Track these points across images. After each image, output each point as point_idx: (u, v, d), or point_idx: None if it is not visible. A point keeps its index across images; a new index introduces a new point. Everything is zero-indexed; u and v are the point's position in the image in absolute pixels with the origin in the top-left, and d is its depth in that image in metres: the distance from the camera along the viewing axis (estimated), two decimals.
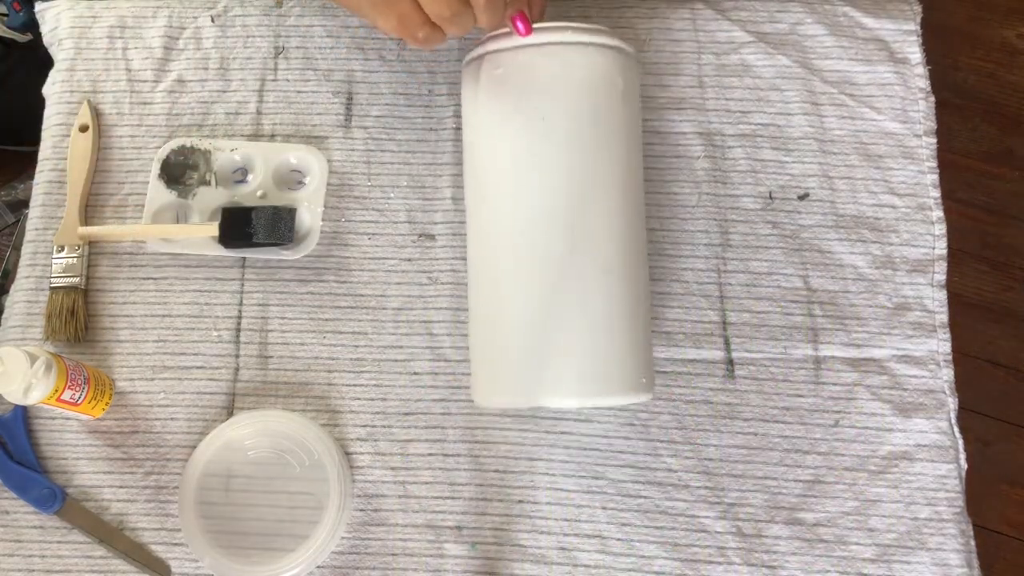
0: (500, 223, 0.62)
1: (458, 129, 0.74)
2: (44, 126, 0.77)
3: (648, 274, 0.65)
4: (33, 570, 0.65)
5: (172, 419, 0.68)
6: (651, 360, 0.63)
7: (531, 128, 0.61)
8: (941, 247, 0.71)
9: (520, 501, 0.66)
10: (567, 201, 0.60)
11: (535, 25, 0.60)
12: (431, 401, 0.68)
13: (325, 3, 0.78)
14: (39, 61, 0.81)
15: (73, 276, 0.71)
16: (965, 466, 0.67)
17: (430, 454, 0.67)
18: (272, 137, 0.75)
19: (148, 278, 0.72)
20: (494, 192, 0.63)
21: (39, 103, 0.78)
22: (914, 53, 0.76)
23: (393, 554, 0.65)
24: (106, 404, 0.68)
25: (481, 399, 0.63)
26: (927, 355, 0.69)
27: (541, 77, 0.61)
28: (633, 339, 0.61)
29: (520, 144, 0.61)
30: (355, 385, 0.69)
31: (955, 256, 0.71)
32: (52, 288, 0.70)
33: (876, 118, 0.74)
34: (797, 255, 0.71)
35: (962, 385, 0.69)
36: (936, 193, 0.73)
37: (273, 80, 0.76)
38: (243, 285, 0.71)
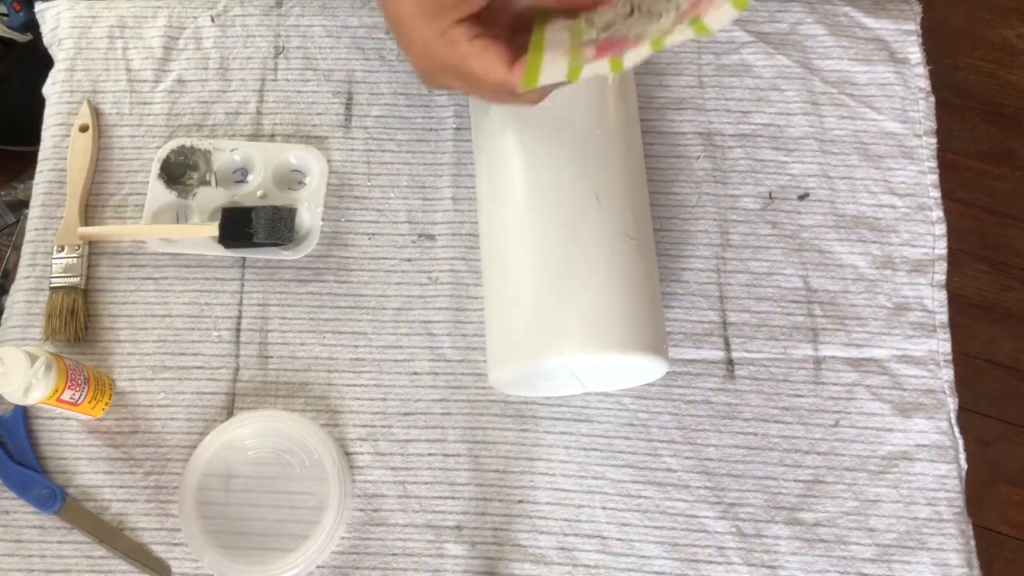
0: (518, 195, 0.63)
1: (458, 129, 0.74)
2: (44, 126, 0.77)
3: (654, 249, 0.66)
4: (33, 570, 0.65)
5: (172, 419, 0.68)
6: (664, 331, 0.63)
7: (555, 104, 0.62)
8: (941, 247, 0.71)
9: (520, 501, 0.66)
10: (587, 166, 0.62)
11: None
12: (431, 401, 0.68)
13: (325, 3, 0.78)
14: (39, 61, 0.81)
15: (73, 276, 0.71)
16: (965, 466, 0.67)
17: (430, 454, 0.67)
18: (272, 137, 0.75)
19: (148, 278, 0.72)
20: (516, 167, 0.64)
21: (39, 103, 0.78)
22: (914, 53, 0.76)
23: (393, 554, 0.65)
24: (106, 404, 0.68)
25: (497, 372, 0.63)
26: (927, 355, 0.69)
27: None
28: (649, 302, 0.61)
29: (545, 118, 0.63)
30: (355, 385, 0.69)
31: (955, 256, 0.71)
32: (52, 288, 0.70)
33: (876, 118, 0.74)
34: (797, 255, 0.71)
35: (962, 385, 0.69)
36: (936, 193, 0.73)
37: (273, 80, 0.76)
38: (243, 285, 0.71)
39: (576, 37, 0.47)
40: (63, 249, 0.71)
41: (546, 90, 0.49)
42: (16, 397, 0.61)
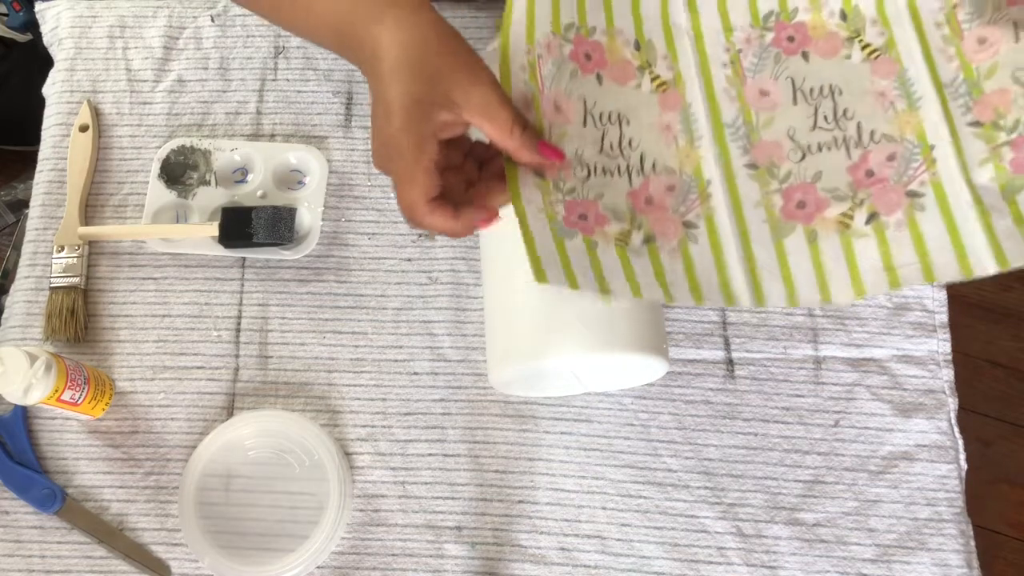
0: None
1: None
2: (44, 126, 0.77)
3: None
4: (33, 570, 0.65)
5: (172, 419, 0.68)
6: (664, 331, 0.63)
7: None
8: None
9: (520, 501, 0.66)
10: None
11: None
12: (431, 401, 0.68)
13: None
14: (39, 61, 0.81)
15: (73, 276, 0.71)
16: (965, 466, 0.67)
17: (430, 454, 0.67)
18: (272, 137, 0.75)
19: (148, 278, 0.72)
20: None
21: (39, 103, 0.78)
22: None
23: (393, 554, 0.65)
24: (106, 404, 0.68)
25: (497, 372, 0.62)
26: (927, 355, 0.69)
27: None
28: (649, 302, 0.61)
29: None
30: (355, 385, 0.69)
31: None
32: (52, 288, 0.70)
33: None
34: None
35: (962, 385, 0.69)
36: None
37: (273, 80, 0.76)
38: (243, 285, 0.71)
39: (546, 196, 0.53)
40: (63, 249, 0.71)
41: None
42: (16, 397, 0.61)
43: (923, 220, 0.52)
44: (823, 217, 0.54)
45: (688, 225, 0.55)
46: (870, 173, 0.54)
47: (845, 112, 0.55)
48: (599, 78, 0.57)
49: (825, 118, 0.56)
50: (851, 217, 0.54)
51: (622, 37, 0.58)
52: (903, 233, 0.53)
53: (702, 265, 0.54)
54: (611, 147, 0.56)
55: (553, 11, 0.57)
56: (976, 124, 0.53)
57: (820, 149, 0.55)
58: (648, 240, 0.54)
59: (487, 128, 0.50)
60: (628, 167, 0.55)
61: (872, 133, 0.55)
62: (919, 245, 0.52)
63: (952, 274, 0.51)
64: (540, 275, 0.52)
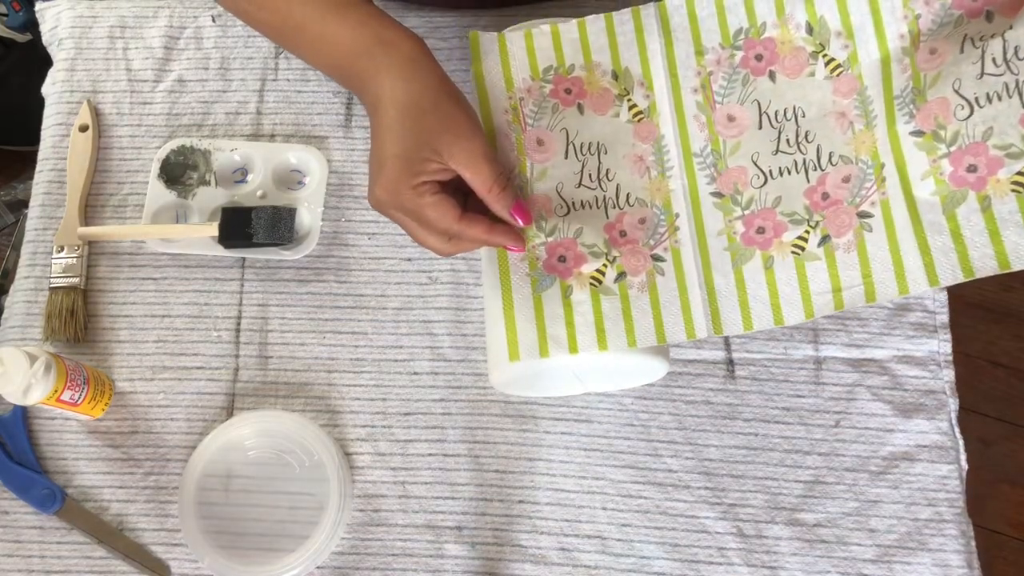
0: None
1: None
2: (44, 126, 0.77)
3: None
4: (33, 570, 0.65)
5: (172, 419, 0.68)
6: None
7: None
8: None
9: (520, 501, 0.66)
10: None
11: None
12: (431, 401, 0.68)
13: None
14: (39, 61, 0.81)
15: (73, 276, 0.71)
16: (966, 466, 0.67)
17: (430, 454, 0.67)
18: (272, 137, 0.75)
19: (148, 278, 0.72)
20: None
21: (39, 103, 0.78)
22: None
23: (393, 554, 0.65)
24: (106, 404, 0.68)
25: (497, 372, 0.62)
26: (928, 355, 0.69)
27: None
28: None
29: None
30: (355, 385, 0.69)
31: None
32: (52, 288, 0.70)
33: None
34: None
35: (963, 385, 0.68)
36: None
37: (273, 80, 0.76)
38: (243, 285, 0.71)
39: (529, 242, 0.58)
40: (63, 249, 0.71)
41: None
42: (16, 397, 0.61)
43: (870, 241, 0.54)
44: (780, 241, 0.56)
45: (656, 259, 0.57)
46: (825, 196, 0.56)
47: (807, 135, 0.57)
48: (580, 108, 0.60)
49: (787, 142, 0.57)
50: (805, 240, 0.55)
51: (600, 69, 0.60)
52: (851, 255, 0.54)
53: (666, 296, 0.56)
54: (590, 178, 0.59)
55: (530, 59, 0.60)
56: (918, 134, 0.53)
57: (781, 173, 0.57)
58: (619, 277, 0.56)
59: (470, 179, 0.54)
60: (605, 199, 0.58)
61: (831, 155, 0.56)
62: (864, 266, 0.54)
63: (891, 294, 0.53)
64: (514, 354, 0.56)
